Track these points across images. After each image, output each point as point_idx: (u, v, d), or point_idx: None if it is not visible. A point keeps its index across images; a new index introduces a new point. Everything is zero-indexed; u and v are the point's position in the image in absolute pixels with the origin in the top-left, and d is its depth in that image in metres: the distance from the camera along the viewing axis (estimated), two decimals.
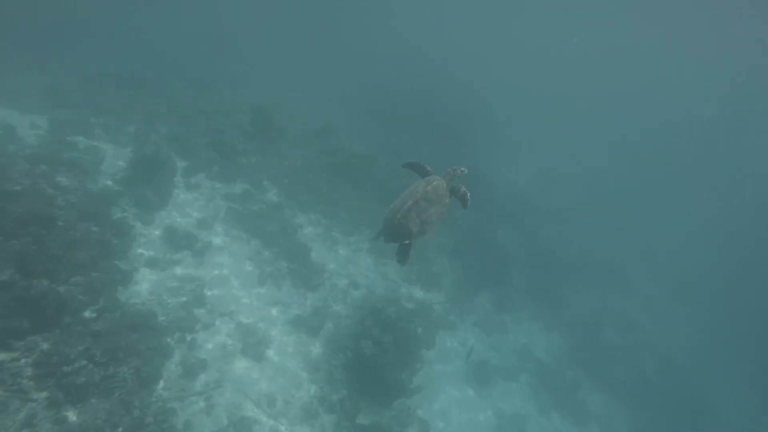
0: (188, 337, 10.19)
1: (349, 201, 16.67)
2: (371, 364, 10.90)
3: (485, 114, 29.53)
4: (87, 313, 8.92)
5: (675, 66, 56.86)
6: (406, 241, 4.63)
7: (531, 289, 18.82)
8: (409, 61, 34.13)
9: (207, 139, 16.21)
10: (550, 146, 32.63)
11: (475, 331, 15.70)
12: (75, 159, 12.26)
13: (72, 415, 7.38)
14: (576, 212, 25.94)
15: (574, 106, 42.88)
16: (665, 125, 50.62)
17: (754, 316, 25.05)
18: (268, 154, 16.92)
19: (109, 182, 12.62)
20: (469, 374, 13.70)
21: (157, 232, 12.11)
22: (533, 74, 49.07)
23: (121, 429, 7.49)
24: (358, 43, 35.54)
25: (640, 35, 53.82)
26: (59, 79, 17.11)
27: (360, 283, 14.09)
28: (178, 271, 11.53)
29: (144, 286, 10.65)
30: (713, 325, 23.59)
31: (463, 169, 5.01)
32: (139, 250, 11.37)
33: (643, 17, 50.09)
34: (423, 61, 35.45)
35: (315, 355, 11.36)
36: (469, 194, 4.99)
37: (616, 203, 28.70)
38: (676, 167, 40.74)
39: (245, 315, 11.43)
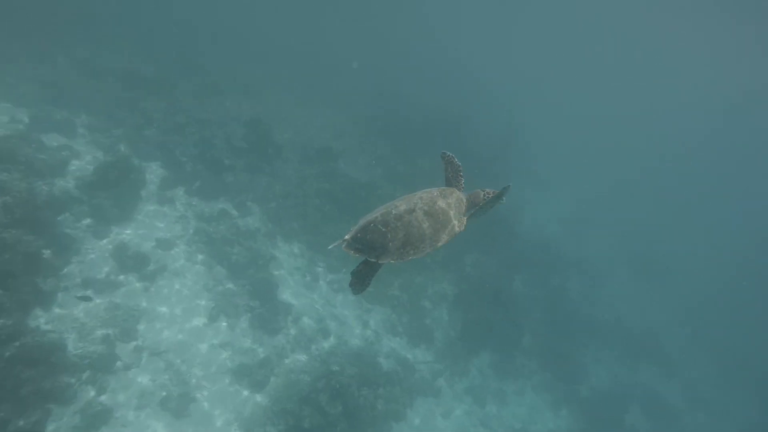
0: (99, 379, 8.67)
1: (342, 234, 14.89)
2: None
3: (517, 145, 27.02)
4: None
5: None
6: (373, 259, 3.06)
7: (543, 354, 16.27)
8: (437, 83, 32.19)
9: (197, 150, 15.05)
10: (587, 190, 29.71)
11: (465, 400, 13.41)
12: (33, 158, 11.24)
13: None
14: (609, 268, 22.99)
15: (620, 149, 39.54)
16: (720, 179, 45.84)
17: None
18: (260, 172, 15.55)
19: (70, 186, 11.53)
20: None
21: (106, 249, 10.81)
22: (578, 109, 46.01)
23: None
24: (386, 57, 33.84)
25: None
26: (62, 74, 16.59)
27: (332, 330, 12.21)
28: (116, 296, 10.13)
29: (68, 310, 9.28)
30: None
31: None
32: (77, 268, 10.08)
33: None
34: (454, 83, 33.40)
35: (250, 416, 9.52)
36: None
37: (657, 262, 25.18)
38: (730, 226, 36.18)
39: (180, 357, 9.81)
